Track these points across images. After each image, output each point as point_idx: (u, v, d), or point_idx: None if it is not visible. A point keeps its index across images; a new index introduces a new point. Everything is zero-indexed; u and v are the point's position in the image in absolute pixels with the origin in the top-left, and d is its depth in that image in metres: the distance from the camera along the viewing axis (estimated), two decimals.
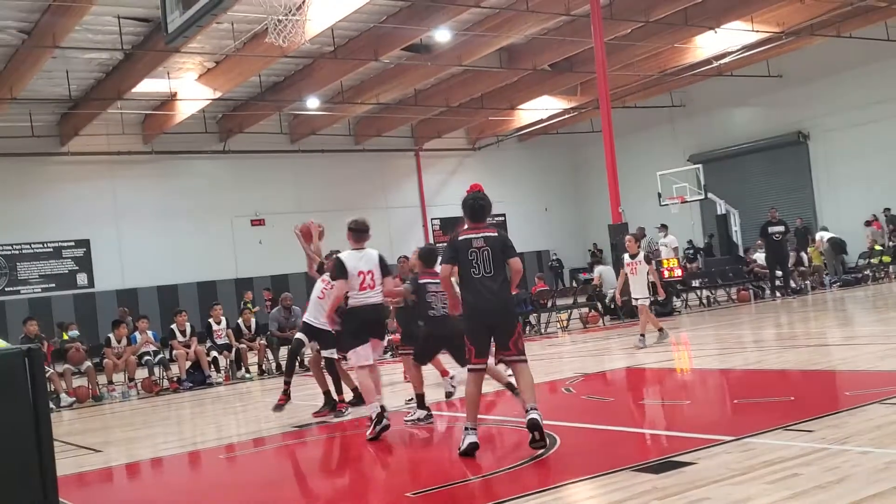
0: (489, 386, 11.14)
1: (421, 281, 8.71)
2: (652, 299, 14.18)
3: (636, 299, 14.05)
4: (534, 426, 6.26)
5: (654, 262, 15.44)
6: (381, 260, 8.23)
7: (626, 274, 14.13)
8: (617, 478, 5.37)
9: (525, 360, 6.58)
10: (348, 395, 9.75)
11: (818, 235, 26.24)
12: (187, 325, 15.78)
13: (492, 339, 6.67)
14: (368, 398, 7.94)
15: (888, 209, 27.78)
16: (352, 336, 8.14)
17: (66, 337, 17.47)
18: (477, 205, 6.78)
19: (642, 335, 13.62)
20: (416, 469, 6.83)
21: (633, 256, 14.01)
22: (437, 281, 8.31)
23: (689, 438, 6.43)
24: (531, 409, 6.33)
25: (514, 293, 6.63)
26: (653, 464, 5.60)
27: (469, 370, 6.64)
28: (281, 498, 6.38)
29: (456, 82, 28.45)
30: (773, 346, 12.73)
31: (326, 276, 9.48)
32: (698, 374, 10.69)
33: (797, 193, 31.30)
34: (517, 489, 5.33)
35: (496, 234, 6.69)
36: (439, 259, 8.85)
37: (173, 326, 15.68)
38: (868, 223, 27.28)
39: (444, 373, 9.89)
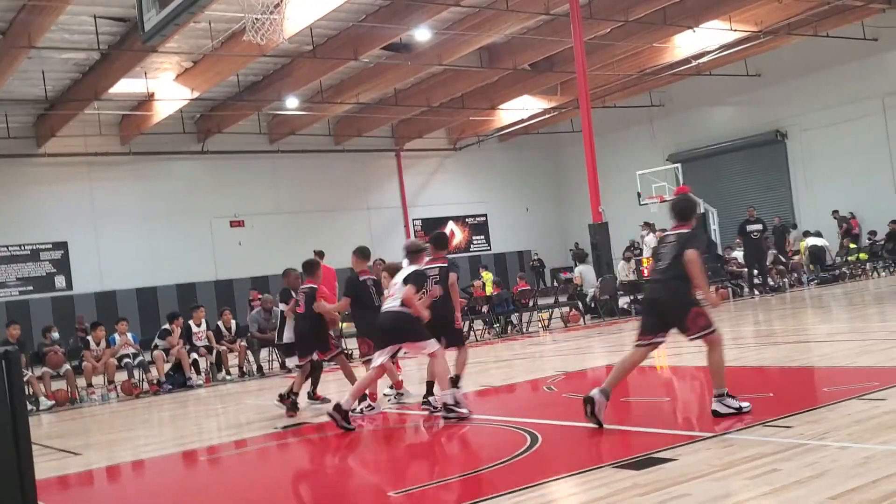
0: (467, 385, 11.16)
1: (362, 278, 9.31)
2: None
3: None
4: (714, 415, 6.70)
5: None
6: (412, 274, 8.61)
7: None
8: (598, 474, 5.38)
9: (712, 331, 6.87)
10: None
11: (806, 242, 25.99)
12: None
13: (658, 324, 7.09)
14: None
15: (836, 211, 28.19)
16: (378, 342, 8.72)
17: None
18: (679, 206, 7.31)
19: None
20: (398, 469, 6.81)
21: None
22: (375, 278, 9.43)
23: (669, 435, 6.45)
24: (717, 396, 6.74)
25: (695, 288, 7.01)
26: (634, 460, 5.62)
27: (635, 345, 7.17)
28: (263, 499, 6.36)
29: (436, 82, 28.44)
30: (752, 343, 12.81)
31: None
32: (678, 371, 10.73)
33: (775, 192, 31.49)
34: (499, 487, 5.33)
35: (688, 231, 7.08)
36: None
37: (166, 326, 15.58)
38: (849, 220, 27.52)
39: (398, 384, 9.94)
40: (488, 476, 5.79)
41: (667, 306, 6.97)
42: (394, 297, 8.40)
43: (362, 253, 9.69)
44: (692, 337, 6.92)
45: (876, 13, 25.64)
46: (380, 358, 8.38)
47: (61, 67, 23.17)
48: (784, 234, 26.58)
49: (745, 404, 6.69)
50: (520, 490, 5.21)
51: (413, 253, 8.92)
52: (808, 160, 30.46)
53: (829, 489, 4.50)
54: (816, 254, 25.25)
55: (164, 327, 15.65)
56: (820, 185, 30.05)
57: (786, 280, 23.45)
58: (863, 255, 25.45)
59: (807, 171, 30.61)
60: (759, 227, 22.37)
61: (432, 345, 8.30)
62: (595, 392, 6.82)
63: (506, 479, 5.62)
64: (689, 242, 6.89)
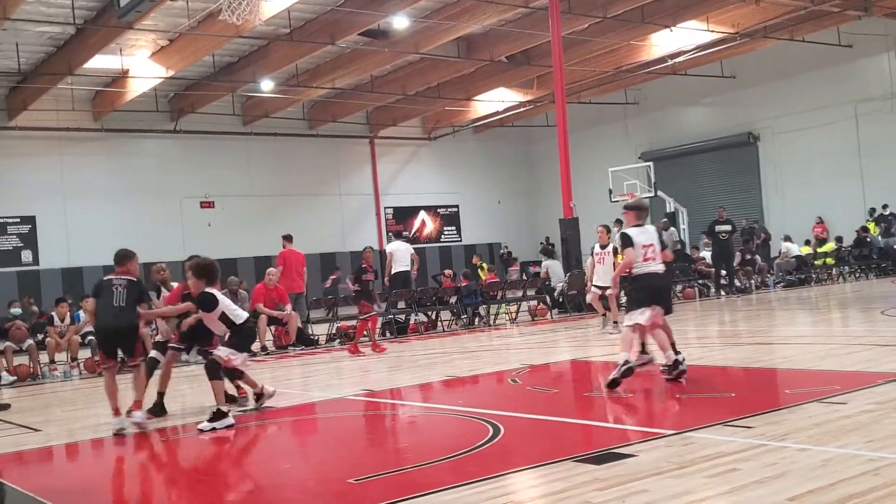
0: (425, 376, 11.17)
1: (107, 277, 9.10)
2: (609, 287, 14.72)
3: (602, 288, 14.54)
4: None
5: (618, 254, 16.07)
6: (659, 234, 8.91)
7: (595, 263, 14.83)
8: (558, 468, 5.40)
9: None
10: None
11: (783, 246, 26.11)
12: None
13: None
14: (625, 347, 8.53)
15: (756, 221, 28.71)
16: (637, 302, 8.64)
17: None
18: None
19: (615, 322, 14.19)
20: (359, 456, 6.81)
21: (602, 247, 14.66)
22: (132, 279, 8.96)
23: (630, 431, 6.50)
24: None
25: None
26: (594, 455, 5.66)
27: None
28: (221, 483, 6.34)
29: (413, 70, 28.36)
30: (717, 343, 12.92)
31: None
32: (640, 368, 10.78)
33: (745, 194, 31.75)
34: (460, 477, 5.34)
35: None
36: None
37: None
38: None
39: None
40: (449, 466, 5.80)
41: None
42: (655, 259, 8.60)
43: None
44: None
45: (851, 20, 25.90)
46: (641, 317, 8.51)
47: (36, 40, 22.84)
48: (752, 235, 26.82)
49: None
50: (480, 481, 5.22)
51: (641, 210, 9.00)
52: (778, 163, 30.73)
53: (788, 490, 4.55)
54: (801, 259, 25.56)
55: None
56: (790, 188, 30.33)
57: (752, 281, 23.68)
58: (829, 261, 25.73)
59: (777, 174, 30.88)
60: (728, 227, 22.55)
61: None
62: None
63: (466, 469, 5.63)
64: None
